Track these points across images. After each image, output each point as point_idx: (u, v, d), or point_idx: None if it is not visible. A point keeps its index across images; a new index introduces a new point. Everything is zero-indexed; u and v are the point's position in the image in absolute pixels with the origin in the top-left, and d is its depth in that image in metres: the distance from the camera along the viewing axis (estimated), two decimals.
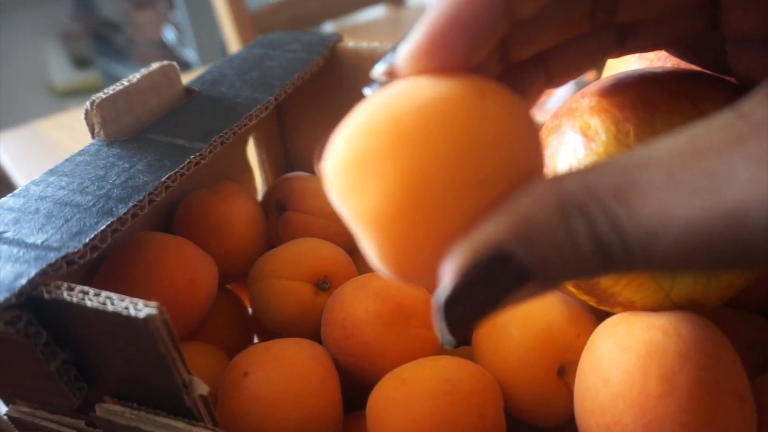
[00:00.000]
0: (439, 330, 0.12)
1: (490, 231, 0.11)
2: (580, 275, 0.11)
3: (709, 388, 0.18)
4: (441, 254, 0.12)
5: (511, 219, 0.11)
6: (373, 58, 0.36)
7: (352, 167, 0.13)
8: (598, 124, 0.20)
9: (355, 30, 1.07)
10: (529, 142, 0.13)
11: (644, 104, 0.19)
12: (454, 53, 0.14)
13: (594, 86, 0.21)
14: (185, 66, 1.77)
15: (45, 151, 0.68)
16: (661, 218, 0.10)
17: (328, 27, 1.40)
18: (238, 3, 1.03)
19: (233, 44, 1.06)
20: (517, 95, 0.14)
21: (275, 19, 1.09)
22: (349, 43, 0.37)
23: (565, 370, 0.23)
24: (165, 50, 1.79)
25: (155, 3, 1.78)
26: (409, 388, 0.21)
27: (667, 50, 0.20)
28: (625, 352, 0.19)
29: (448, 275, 0.12)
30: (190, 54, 1.59)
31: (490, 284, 0.11)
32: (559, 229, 0.11)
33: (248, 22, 1.05)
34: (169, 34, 1.70)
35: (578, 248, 0.11)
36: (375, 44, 0.36)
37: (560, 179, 0.11)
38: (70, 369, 0.20)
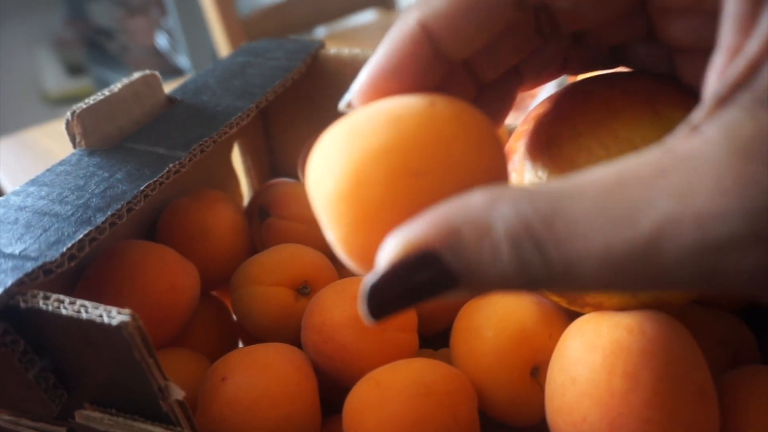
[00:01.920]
0: (361, 310, 0.13)
1: (423, 230, 0.12)
2: (504, 288, 0.12)
3: (672, 384, 0.18)
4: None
5: (445, 225, 0.12)
6: (354, 64, 0.37)
7: (316, 163, 0.15)
8: (561, 128, 0.20)
9: (346, 35, 1.07)
10: (483, 146, 0.14)
11: (605, 107, 0.19)
12: (392, 92, 0.16)
13: (559, 91, 0.22)
14: (178, 72, 1.77)
15: (37, 160, 0.68)
16: (584, 247, 0.11)
17: (320, 32, 1.40)
18: (228, 9, 1.04)
19: (224, 50, 1.06)
20: (476, 109, 0.16)
21: (266, 25, 1.10)
22: (331, 50, 0.37)
23: (538, 370, 0.23)
24: (158, 56, 1.79)
25: (148, 10, 1.78)
26: (384, 390, 0.21)
27: (623, 60, 0.21)
28: (591, 352, 0.19)
29: (380, 262, 0.13)
30: (182, 60, 1.59)
31: (416, 280, 0.12)
32: (486, 248, 0.12)
33: (239, 28, 1.05)
34: (161, 41, 1.70)
35: (502, 267, 0.12)
36: (356, 51, 0.36)
37: (497, 198, 0.12)
38: (48, 376, 0.20)
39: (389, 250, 0.12)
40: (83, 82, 2.19)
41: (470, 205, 0.12)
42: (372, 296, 0.13)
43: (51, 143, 0.70)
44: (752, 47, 0.11)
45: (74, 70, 2.17)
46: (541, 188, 0.12)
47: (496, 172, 0.14)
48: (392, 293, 0.12)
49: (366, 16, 1.34)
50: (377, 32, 1.08)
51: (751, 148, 0.10)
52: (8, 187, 0.62)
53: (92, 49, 2.08)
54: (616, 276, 0.11)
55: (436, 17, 0.16)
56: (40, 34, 2.14)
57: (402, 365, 0.22)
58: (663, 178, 0.11)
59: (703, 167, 0.11)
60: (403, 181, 0.13)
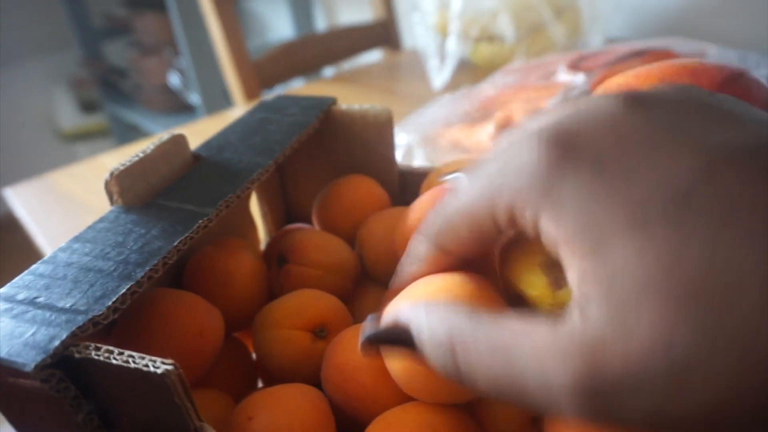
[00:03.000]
0: (361, 341, 0.21)
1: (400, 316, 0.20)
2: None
3: None
4: None
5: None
6: (365, 118, 0.39)
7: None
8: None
9: (353, 74, 1.11)
10: None
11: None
12: None
13: None
14: (189, 108, 1.82)
15: (58, 201, 0.71)
16: (479, 373, 0.17)
17: (327, 72, 1.45)
18: (240, 50, 1.08)
19: (236, 90, 1.10)
20: None
21: (276, 66, 1.14)
22: (342, 105, 0.40)
23: (538, 419, 0.25)
24: (170, 94, 1.85)
25: (161, 50, 1.84)
26: (394, 431, 0.23)
27: None
28: None
29: (379, 323, 0.21)
30: (194, 98, 1.64)
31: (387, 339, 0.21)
32: (442, 359, 0.18)
33: (250, 68, 1.10)
34: (174, 79, 1.75)
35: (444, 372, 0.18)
36: (366, 106, 0.39)
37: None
38: (93, 419, 0.22)
39: (385, 320, 0.21)
40: (96, 118, 2.25)
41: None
42: (368, 338, 0.21)
43: (73, 185, 0.74)
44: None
45: (88, 107, 2.23)
46: (466, 317, 0.18)
47: None
48: (381, 340, 0.21)
49: (372, 56, 1.39)
50: (383, 71, 1.12)
51: (581, 342, 0.15)
52: (34, 229, 0.65)
53: (106, 87, 2.15)
54: (497, 397, 0.17)
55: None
56: (56, 74, 2.21)
57: (412, 407, 0.24)
58: (533, 344, 0.16)
59: (552, 347, 0.16)
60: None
